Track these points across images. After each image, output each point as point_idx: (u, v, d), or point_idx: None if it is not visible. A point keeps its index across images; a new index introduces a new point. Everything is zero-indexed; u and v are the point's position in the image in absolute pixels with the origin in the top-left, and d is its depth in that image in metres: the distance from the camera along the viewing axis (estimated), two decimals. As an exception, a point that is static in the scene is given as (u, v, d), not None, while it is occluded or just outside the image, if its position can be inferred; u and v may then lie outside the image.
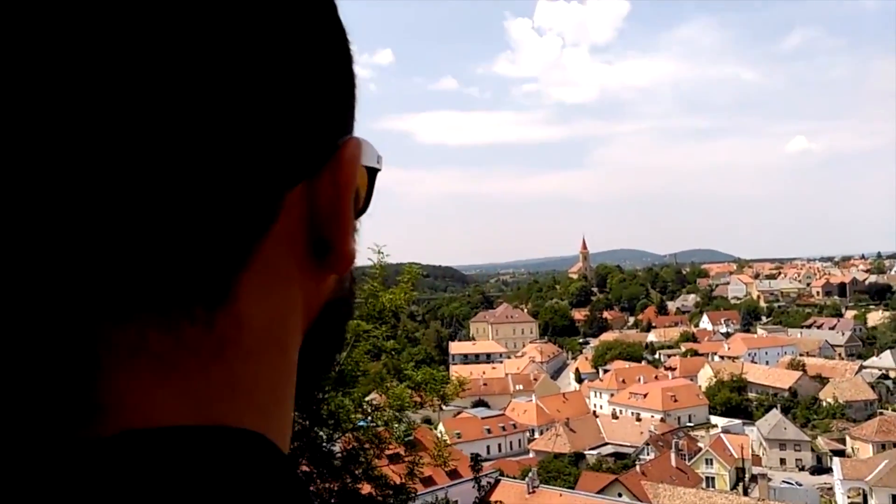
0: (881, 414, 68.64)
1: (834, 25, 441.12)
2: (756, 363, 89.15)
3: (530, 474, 47.60)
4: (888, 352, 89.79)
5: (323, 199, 0.38)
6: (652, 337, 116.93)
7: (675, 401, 75.86)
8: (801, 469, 62.84)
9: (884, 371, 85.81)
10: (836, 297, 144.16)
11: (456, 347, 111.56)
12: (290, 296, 0.38)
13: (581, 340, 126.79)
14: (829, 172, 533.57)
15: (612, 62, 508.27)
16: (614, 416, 74.21)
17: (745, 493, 51.99)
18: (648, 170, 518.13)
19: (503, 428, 68.68)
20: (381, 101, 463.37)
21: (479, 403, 78.97)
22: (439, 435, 13.92)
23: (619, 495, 47.93)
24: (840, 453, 61.45)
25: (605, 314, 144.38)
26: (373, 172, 0.43)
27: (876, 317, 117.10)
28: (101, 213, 0.30)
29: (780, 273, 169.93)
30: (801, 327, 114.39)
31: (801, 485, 55.39)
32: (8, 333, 0.31)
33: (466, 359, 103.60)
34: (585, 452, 63.05)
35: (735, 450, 60.00)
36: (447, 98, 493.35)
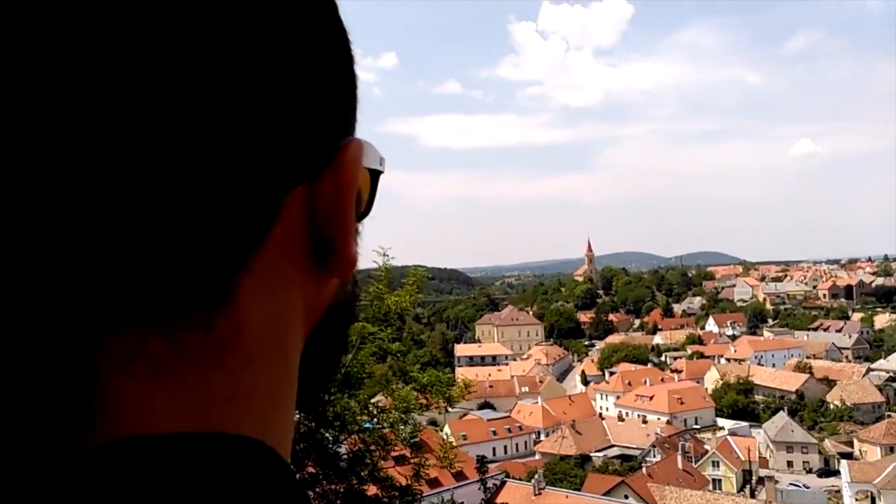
0: (889, 416, 68.18)
1: (836, 27, 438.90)
2: (762, 366, 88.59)
3: (536, 476, 47.44)
4: (895, 354, 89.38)
5: (324, 201, 0.37)
6: (658, 339, 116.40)
7: (682, 403, 75.53)
8: (809, 472, 62.46)
9: (891, 374, 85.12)
10: (842, 299, 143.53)
11: (461, 350, 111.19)
12: (290, 298, 0.38)
13: (587, 343, 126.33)
14: (835, 175, 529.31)
15: (616, 65, 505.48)
16: (620, 419, 73.81)
17: (752, 496, 51.71)
18: (653, 172, 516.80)
19: (509, 430, 68.52)
20: (386, 104, 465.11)
21: (485, 405, 78.68)
22: (445, 437, 13.98)
23: (626, 497, 47.78)
24: (847, 456, 61.12)
25: (611, 316, 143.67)
26: (375, 174, 0.42)
27: (883, 319, 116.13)
28: (100, 215, 0.30)
29: (786, 275, 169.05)
30: (808, 330, 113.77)
31: (808, 487, 55.24)
32: (5, 338, 0.30)
33: (472, 361, 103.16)
34: (591, 454, 62.83)
35: (742, 452, 59.78)
36: (451, 101, 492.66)
